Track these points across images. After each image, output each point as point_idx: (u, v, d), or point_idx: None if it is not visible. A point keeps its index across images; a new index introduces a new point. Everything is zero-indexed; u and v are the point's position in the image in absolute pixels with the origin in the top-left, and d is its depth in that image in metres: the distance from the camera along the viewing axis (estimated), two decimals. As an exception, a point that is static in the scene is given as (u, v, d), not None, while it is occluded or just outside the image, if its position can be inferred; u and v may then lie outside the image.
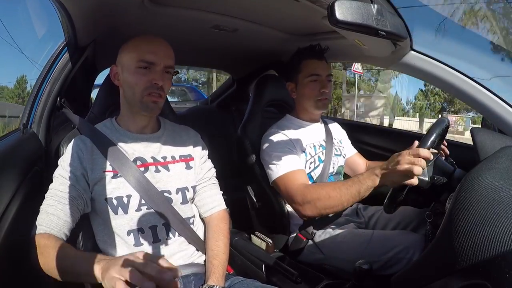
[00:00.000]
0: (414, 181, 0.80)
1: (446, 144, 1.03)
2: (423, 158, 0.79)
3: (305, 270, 1.08)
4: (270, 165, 1.11)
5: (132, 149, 0.85)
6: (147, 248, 0.82)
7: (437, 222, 0.88)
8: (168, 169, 0.87)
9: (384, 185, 0.87)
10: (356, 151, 1.42)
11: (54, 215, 0.74)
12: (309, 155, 1.18)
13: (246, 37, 1.26)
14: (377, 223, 1.22)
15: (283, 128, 1.18)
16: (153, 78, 0.81)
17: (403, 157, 0.81)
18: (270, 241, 1.20)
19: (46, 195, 0.78)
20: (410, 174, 0.79)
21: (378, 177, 0.87)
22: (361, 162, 1.38)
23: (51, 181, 0.80)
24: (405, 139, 1.59)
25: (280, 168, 1.08)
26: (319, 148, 1.21)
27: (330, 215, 1.19)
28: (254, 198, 1.30)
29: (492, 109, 0.88)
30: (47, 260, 0.68)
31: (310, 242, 1.14)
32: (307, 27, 1.17)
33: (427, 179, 0.83)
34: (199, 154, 0.96)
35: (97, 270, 0.61)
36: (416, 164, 0.78)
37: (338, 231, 1.13)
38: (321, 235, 1.14)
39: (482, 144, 0.77)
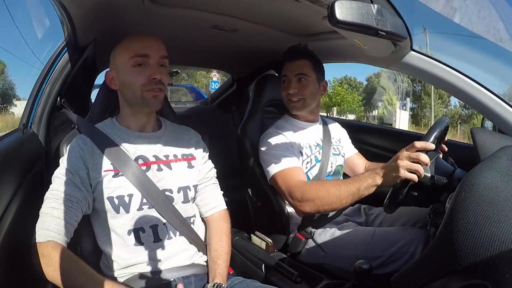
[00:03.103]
0: (414, 176, 0.79)
1: (446, 140, 1.02)
2: (421, 150, 0.79)
3: (305, 270, 1.08)
4: (268, 163, 1.11)
5: (133, 148, 0.85)
6: (148, 248, 0.82)
7: (437, 222, 0.87)
8: (170, 168, 0.87)
9: (385, 184, 0.86)
10: (357, 151, 1.41)
11: (59, 218, 0.72)
12: (305, 155, 1.17)
13: (246, 37, 1.26)
14: (382, 224, 1.21)
15: (280, 129, 1.19)
16: (150, 74, 0.81)
17: (402, 152, 0.82)
18: (270, 240, 1.20)
19: (47, 196, 0.76)
20: (409, 170, 0.79)
21: (378, 175, 0.87)
22: (360, 163, 1.38)
23: (51, 182, 0.79)
24: (406, 139, 1.59)
25: (278, 165, 1.09)
26: (315, 148, 1.21)
27: (329, 215, 1.19)
28: (254, 198, 1.30)
29: (492, 109, 0.87)
30: (56, 273, 0.67)
31: (310, 241, 1.14)
32: (307, 27, 1.17)
33: (429, 175, 0.82)
34: (201, 154, 0.96)
35: None
36: (415, 158, 0.79)
37: (338, 229, 1.13)
38: (321, 233, 1.13)
39: (482, 144, 0.77)
